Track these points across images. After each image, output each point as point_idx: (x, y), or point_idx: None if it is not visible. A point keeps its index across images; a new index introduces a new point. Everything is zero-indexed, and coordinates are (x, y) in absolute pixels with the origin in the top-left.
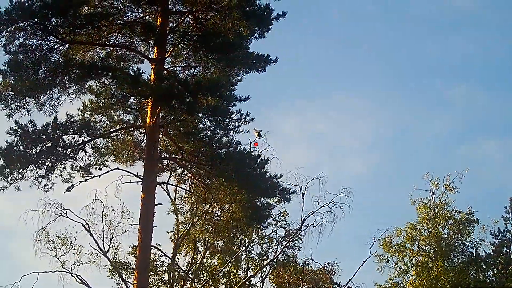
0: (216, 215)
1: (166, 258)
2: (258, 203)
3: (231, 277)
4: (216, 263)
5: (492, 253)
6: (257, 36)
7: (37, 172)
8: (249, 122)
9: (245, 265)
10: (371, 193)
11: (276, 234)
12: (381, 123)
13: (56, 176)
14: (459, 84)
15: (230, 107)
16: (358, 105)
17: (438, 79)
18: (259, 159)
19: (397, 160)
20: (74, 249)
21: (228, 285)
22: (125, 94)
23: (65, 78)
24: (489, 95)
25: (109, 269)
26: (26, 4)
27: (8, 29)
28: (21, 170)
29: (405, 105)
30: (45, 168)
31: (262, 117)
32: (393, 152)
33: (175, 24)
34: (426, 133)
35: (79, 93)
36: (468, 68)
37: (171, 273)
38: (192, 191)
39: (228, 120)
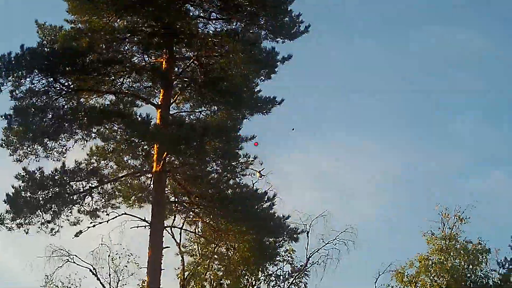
0: (225, 255)
1: None
2: (266, 242)
3: None
4: None
5: (499, 282)
6: (263, 79)
7: (43, 218)
8: (253, 163)
9: None
10: (382, 230)
11: (283, 271)
12: (387, 162)
13: (63, 221)
14: (463, 118)
15: (237, 150)
16: (362, 145)
17: (442, 112)
18: (266, 199)
19: (406, 198)
20: None
21: None
22: (134, 140)
23: (74, 124)
24: (494, 129)
25: None
26: (36, 51)
27: (15, 75)
28: (28, 215)
29: (411, 141)
30: (51, 213)
31: (265, 157)
32: (402, 190)
33: (180, 70)
34: (433, 168)
35: (87, 139)
36: (473, 102)
37: None
38: (199, 233)
39: (235, 163)
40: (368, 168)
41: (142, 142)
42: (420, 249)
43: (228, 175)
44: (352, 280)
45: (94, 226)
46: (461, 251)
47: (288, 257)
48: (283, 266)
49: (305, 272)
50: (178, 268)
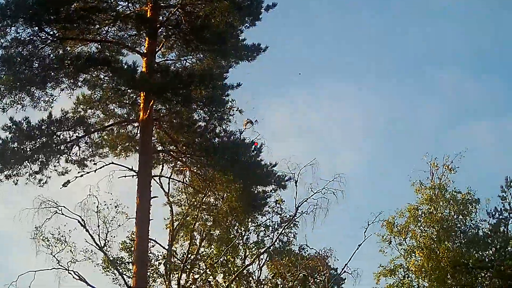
0: (213, 205)
1: (162, 250)
2: (254, 192)
3: (229, 266)
4: (213, 253)
5: (489, 232)
6: (248, 26)
7: (31, 168)
8: (241, 112)
9: (242, 253)
10: (368, 179)
11: (272, 221)
12: (373, 111)
13: (51, 171)
14: (448, 70)
15: (224, 97)
16: (348, 94)
17: (428, 66)
18: (253, 147)
19: (391, 147)
20: (70, 246)
21: (226, 274)
22: (121, 87)
23: (60, 73)
24: (477, 81)
25: (105, 264)
26: (21, 0)
27: (0, 24)
28: (15, 166)
29: (396, 92)
30: (39, 163)
31: (252, 106)
32: (386, 139)
33: (165, 18)
34: (418, 119)
35: (73, 87)
36: (457, 54)
37: (168, 265)
38: (187, 183)
39: (222, 110)
40: (354, 118)
41: (129, 90)
42: (409, 199)
43: (215, 122)
44: (342, 230)
45: (81, 176)
46: (451, 201)
47: (277, 207)
48: (272, 216)
49: (294, 222)
50: (167, 218)
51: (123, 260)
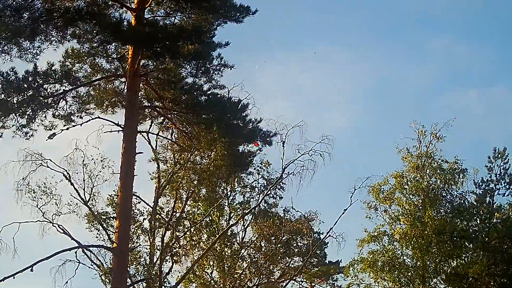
0: (199, 163)
1: (147, 207)
2: (239, 151)
3: (214, 225)
4: (198, 212)
5: (475, 203)
6: None
7: (18, 121)
8: (230, 68)
9: (227, 214)
10: (354, 144)
11: (258, 183)
12: (362, 75)
13: (38, 125)
14: (438, 35)
15: (211, 53)
16: (338, 57)
17: (417, 31)
18: (239, 105)
19: (378, 111)
20: (55, 199)
21: (210, 234)
22: (109, 41)
23: (49, 26)
24: (468, 47)
25: (90, 218)
26: None
27: None
28: (2, 118)
29: (385, 56)
30: (26, 117)
31: (241, 67)
32: (374, 103)
33: None
34: (407, 84)
35: (62, 41)
36: (447, 20)
37: (152, 222)
38: (173, 140)
39: (209, 65)
40: (343, 81)
41: (117, 44)
42: (395, 166)
43: (202, 79)
44: (328, 194)
45: (67, 129)
46: (437, 170)
47: (263, 169)
48: (258, 178)
49: (281, 184)
50: (153, 173)
51: (108, 215)
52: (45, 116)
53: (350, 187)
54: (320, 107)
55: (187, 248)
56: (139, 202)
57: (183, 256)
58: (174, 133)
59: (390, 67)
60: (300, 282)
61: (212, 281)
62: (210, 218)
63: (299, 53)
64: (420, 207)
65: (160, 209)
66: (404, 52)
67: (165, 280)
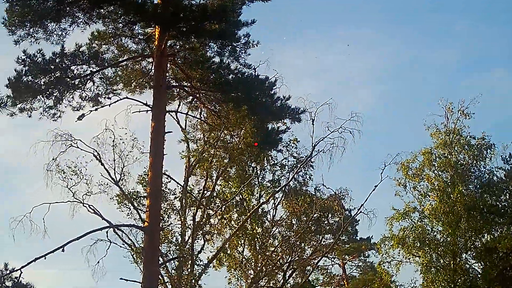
0: (228, 142)
1: (178, 186)
2: (268, 128)
3: (244, 204)
4: (229, 190)
5: (504, 178)
6: None
7: (45, 103)
8: (256, 46)
9: (257, 192)
10: (381, 123)
11: (288, 161)
12: (387, 55)
13: (65, 106)
14: (463, 16)
15: (237, 31)
16: (365, 37)
17: (442, 14)
18: (267, 83)
19: (404, 91)
20: (85, 179)
21: (241, 213)
22: (135, 21)
23: (75, 7)
24: (492, 27)
25: (120, 198)
26: None
27: None
28: (29, 99)
29: (411, 37)
30: (54, 98)
31: (267, 46)
32: (400, 83)
33: None
34: (433, 64)
35: (88, 22)
36: (471, 2)
37: (183, 201)
38: (202, 119)
39: (236, 44)
40: (370, 61)
41: (143, 24)
42: (423, 143)
43: (229, 58)
44: (357, 171)
45: (96, 109)
46: (465, 146)
47: (292, 147)
48: (288, 156)
49: (310, 162)
50: (183, 152)
51: (139, 194)
52: (72, 98)
53: (379, 164)
54: (346, 87)
55: (218, 227)
56: (170, 182)
57: (215, 235)
58: (203, 112)
59: (415, 48)
60: (332, 259)
61: (243, 260)
62: (241, 196)
63: (326, 34)
64: (449, 183)
65: (190, 188)
66: (429, 33)
67: (197, 258)
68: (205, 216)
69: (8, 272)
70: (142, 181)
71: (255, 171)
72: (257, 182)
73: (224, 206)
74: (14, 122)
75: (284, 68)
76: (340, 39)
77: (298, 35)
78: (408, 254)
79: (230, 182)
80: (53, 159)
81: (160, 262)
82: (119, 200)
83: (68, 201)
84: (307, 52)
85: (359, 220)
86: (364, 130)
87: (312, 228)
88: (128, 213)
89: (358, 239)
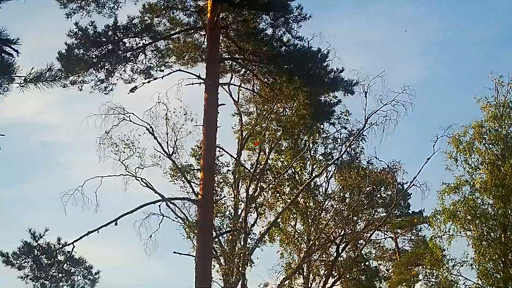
0: (281, 114)
1: (231, 159)
2: (321, 100)
3: (296, 177)
4: (281, 164)
5: None
6: None
7: (97, 76)
8: (308, 19)
9: (309, 166)
10: (428, 95)
11: (340, 134)
12: (432, 28)
13: (117, 79)
14: None
15: (289, 3)
16: (408, 12)
17: None
18: (319, 55)
19: (450, 63)
20: (138, 152)
21: (293, 186)
22: None
23: None
24: None
25: (173, 172)
26: None
27: None
28: (81, 73)
29: (455, 10)
30: (105, 71)
31: (314, 20)
32: (445, 56)
33: None
34: (476, 37)
35: None
36: None
37: (236, 174)
38: (255, 91)
39: (288, 16)
40: (412, 35)
41: None
42: (472, 117)
43: (281, 30)
44: (409, 144)
45: (149, 82)
46: None
47: (344, 120)
48: (340, 129)
49: (363, 135)
50: (235, 125)
51: (192, 167)
52: (124, 71)
53: (431, 137)
54: (392, 60)
55: (271, 201)
56: (223, 155)
57: (267, 208)
58: (255, 85)
59: (459, 21)
60: (385, 233)
61: (296, 234)
62: (293, 170)
63: (370, 9)
64: (500, 157)
65: (243, 162)
66: (472, 6)
67: (251, 232)
68: (258, 189)
69: (60, 246)
70: (196, 154)
71: (307, 144)
72: (309, 156)
73: (276, 180)
74: (65, 97)
75: (331, 41)
76: (384, 14)
77: (340, 10)
78: (459, 228)
79: (282, 156)
80: (106, 132)
81: (213, 236)
82: (173, 173)
83: (121, 174)
84: (352, 26)
85: (411, 193)
86: (415, 103)
87: (365, 201)
88: (181, 185)
89: (411, 212)
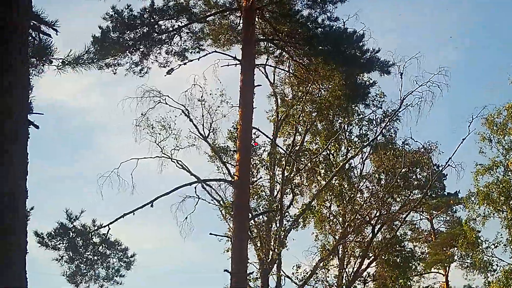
0: (317, 95)
1: (267, 140)
2: (357, 81)
3: (331, 159)
4: (316, 146)
5: None
6: None
7: (131, 59)
8: (344, 1)
9: (344, 147)
10: (464, 78)
11: (375, 115)
12: (466, 12)
13: (152, 62)
14: None
15: None
16: None
17: None
18: (355, 36)
19: (486, 46)
20: (174, 134)
21: (328, 168)
22: None
23: None
24: None
25: (209, 154)
26: None
27: None
28: (116, 56)
29: None
30: (140, 54)
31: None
32: (482, 39)
33: None
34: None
35: None
36: None
37: (272, 155)
38: (291, 72)
39: None
40: (448, 19)
41: None
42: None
43: (317, 11)
44: (444, 125)
45: (185, 64)
46: None
47: (379, 101)
48: (375, 110)
49: (397, 116)
50: (271, 110)
51: (228, 149)
52: (159, 53)
53: (467, 118)
54: (428, 42)
55: (306, 182)
56: (258, 136)
57: (303, 190)
58: (291, 66)
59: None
60: (420, 214)
61: (331, 215)
62: (328, 151)
63: None
64: None
65: (279, 143)
66: None
67: (286, 214)
68: (293, 170)
69: (96, 228)
70: (232, 137)
71: (342, 125)
72: (344, 137)
73: (311, 161)
74: (99, 80)
75: (367, 20)
76: None
77: None
78: (493, 210)
79: (317, 137)
80: (142, 114)
81: (249, 217)
82: (210, 154)
83: (156, 156)
84: (387, 8)
85: (447, 174)
86: (451, 85)
87: (400, 183)
88: (218, 166)
89: (446, 194)
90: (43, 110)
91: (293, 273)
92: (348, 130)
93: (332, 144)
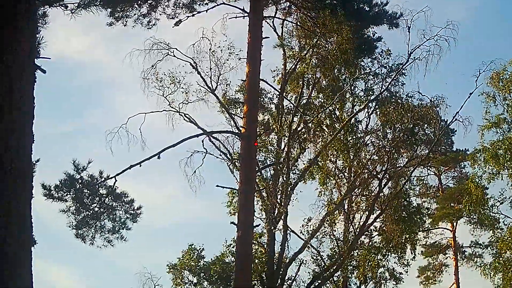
0: (324, 48)
1: (274, 92)
2: (364, 34)
3: (337, 113)
4: (322, 100)
5: None
6: None
7: (139, 11)
8: None
9: (350, 102)
10: (473, 35)
11: (382, 68)
12: None
13: (160, 14)
14: None
15: None
16: None
17: None
18: None
19: (496, 4)
20: (182, 87)
21: (333, 122)
22: None
23: None
24: None
25: (218, 106)
26: None
27: None
28: (124, 8)
29: None
30: (148, 6)
31: None
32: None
33: None
34: None
35: None
36: None
37: (279, 108)
38: (299, 24)
39: None
40: None
41: None
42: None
43: None
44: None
45: (193, 15)
46: None
47: (386, 56)
48: (382, 65)
49: (404, 70)
50: (276, 72)
51: (236, 100)
52: (167, 5)
53: (474, 72)
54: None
55: (312, 136)
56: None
57: (309, 144)
58: (298, 19)
59: None
60: (428, 169)
61: (336, 170)
62: (334, 107)
63: None
64: None
65: (286, 95)
66: None
67: (293, 167)
68: (301, 123)
69: (102, 179)
70: (239, 89)
71: (348, 80)
72: (349, 92)
73: (317, 116)
74: (107, 35)
75: None
76: None
77: None
78: (499, 168)
79: (322, 93)
80: (151, 66)
81: (256, 169)
82: (219, 109)
83: (164, 110)
84: None
85: (455, 130)
86: (459, 40)
87: (407, 137)
88: (224, 121)
89: (454, 150)
90: (54, 64)
91: (302, 225)
92: (354, 85)
93: (338, 99)
